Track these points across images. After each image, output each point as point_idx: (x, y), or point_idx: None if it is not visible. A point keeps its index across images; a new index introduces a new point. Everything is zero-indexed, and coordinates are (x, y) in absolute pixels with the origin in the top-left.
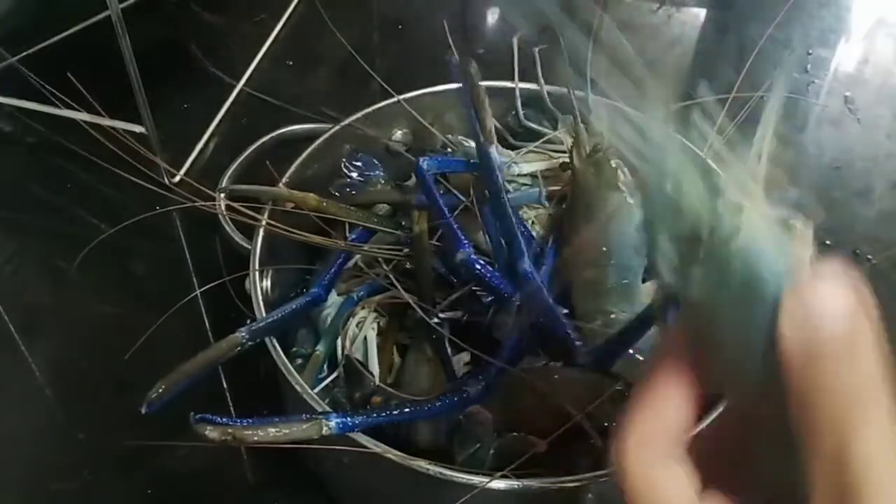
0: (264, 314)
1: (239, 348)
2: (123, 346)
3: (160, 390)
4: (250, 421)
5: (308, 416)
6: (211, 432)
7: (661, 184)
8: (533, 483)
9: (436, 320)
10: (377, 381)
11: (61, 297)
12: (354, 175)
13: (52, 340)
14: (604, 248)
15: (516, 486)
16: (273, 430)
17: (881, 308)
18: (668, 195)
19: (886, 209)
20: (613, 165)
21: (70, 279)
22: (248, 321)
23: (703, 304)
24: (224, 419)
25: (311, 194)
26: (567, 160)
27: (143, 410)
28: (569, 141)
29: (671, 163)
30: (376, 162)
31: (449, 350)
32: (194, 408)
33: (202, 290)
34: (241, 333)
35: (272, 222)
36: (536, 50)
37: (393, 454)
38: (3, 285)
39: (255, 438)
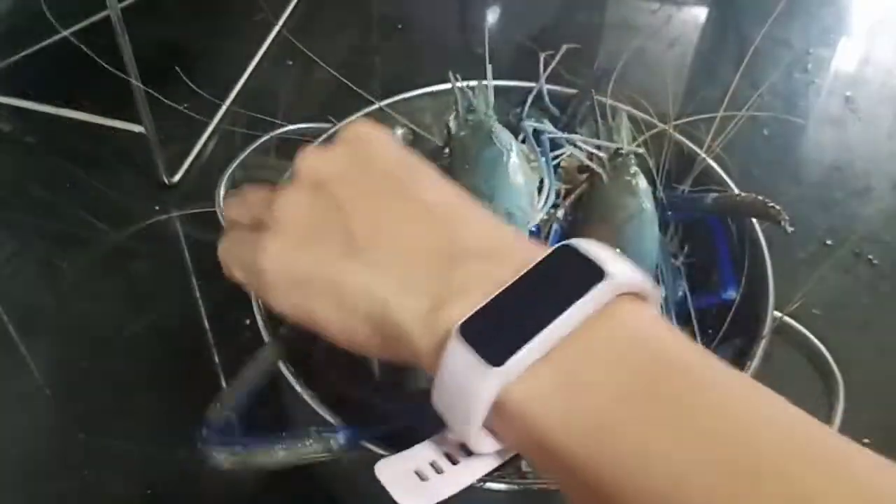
0: (264, 314)
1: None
2: (123, 346)
3: (218, 406)
4: (256, 438)
5: (316, 428)
6: (217, 455)
7: None
8: (533, 483)
9: None
10: (376, 381)
11: (61, 297)
12: None
13: (52, 340)
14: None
15: (516, 486)
16: (282, 452)
17: (883, 308)
18: None
19: (886, 209)
20: (633, 171)
21: (70, 279)
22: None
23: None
24: (228, 437)
25: None
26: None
27: (202, 437)
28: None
29: None
30: None
31: None
32: (193, 410)
33: (200, 287)
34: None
35: None
36: (542, 56)
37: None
38: (3, 285)
39: (265, 463)
